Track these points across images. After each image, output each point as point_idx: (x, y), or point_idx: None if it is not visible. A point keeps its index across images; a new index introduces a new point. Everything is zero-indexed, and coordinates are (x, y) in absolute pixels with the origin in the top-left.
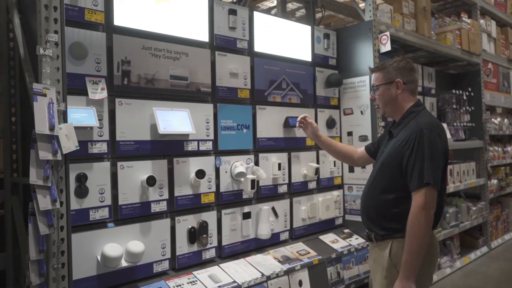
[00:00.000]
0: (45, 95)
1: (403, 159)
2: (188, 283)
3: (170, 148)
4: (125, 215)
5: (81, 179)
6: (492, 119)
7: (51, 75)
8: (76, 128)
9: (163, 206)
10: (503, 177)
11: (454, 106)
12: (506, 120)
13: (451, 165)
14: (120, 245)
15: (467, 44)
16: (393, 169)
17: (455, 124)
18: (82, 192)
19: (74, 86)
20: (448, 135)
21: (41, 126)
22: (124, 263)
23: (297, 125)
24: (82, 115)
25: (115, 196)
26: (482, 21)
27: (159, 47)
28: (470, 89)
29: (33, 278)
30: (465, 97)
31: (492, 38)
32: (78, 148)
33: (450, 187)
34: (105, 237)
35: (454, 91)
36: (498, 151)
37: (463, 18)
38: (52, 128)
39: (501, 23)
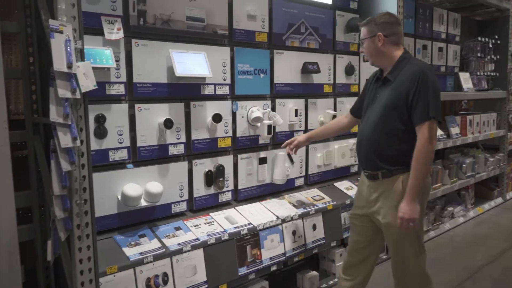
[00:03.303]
0: (61, 32)
1: (407, 98)
2: (205, 223)
3: (186, 91)
4: (143, 157)
5: (100, 120)
6: None
7: (67, 12)
8: (94, 68)
9: (180, 149)
10: None
11: (479, 55)
12: None
13: (471, 115)
14: (140, 186)
15: None
16: (399, 109)
17: (478, 73)
18: (101, 132)
19: (90, 26)
20: (470, 85)
21: (59, 63)
22: (143, 203)
23: (286, 151)
24: (99, 55)
25: (133, 138)
26: None
27: None
28: (496, 37)
29: (58, 212)
30: (490, 45)
31: None
32: (96, 87)
33: (469, 138)
34: (125, 178)
35: (479, 38)
36: None
37: None
38: (70, 65)
39: None
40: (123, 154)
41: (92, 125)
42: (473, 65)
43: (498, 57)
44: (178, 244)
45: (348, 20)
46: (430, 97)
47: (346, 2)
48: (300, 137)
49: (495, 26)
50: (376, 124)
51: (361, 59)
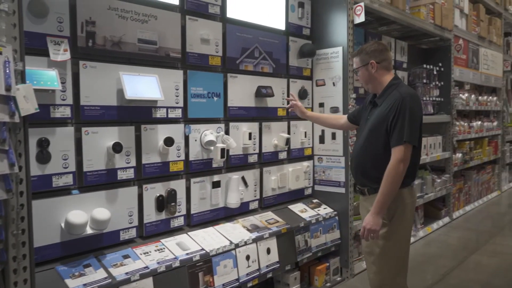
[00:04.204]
0: (0, 53)
1: (387, 123)
2: (155, 250)
3: (137, 115)
4: (90, 182)
5: (43, 144)
6: (460, 95)
7: (7, 32)
8: (38, 90)
9: (130, 174)
10: (467, 151)
11: (425, 81)
12: (473, 96)
13: None
14: (85, 212)
15: (440, 19)
16: (380, 132)
17: (424, 98)
18: (44, 157)
19: (35, 46)
20: None
21: None
22: (89, 230)
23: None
24: (43, 77)
25: (79, 163)
26: None
27: (126, 8)
28: (440, 64)
29: None
30: (435, 72)
31: (464, 14)
32: (38, 110)
33: None
34: (70, 204)
35: (425, 65)
36: (464, 126)
37: None
38: (8, 88)
39: None
40: (68, 180)
41: (34, 150)
42: (419, 90)
43: (442, 83)
44: (126, 273)
45: (301, 46)
46: (406, 122)
47: (299, 28)
48: (301, 106)
49: (439, 54)
50: (362, 145)
51: (314, 84)
